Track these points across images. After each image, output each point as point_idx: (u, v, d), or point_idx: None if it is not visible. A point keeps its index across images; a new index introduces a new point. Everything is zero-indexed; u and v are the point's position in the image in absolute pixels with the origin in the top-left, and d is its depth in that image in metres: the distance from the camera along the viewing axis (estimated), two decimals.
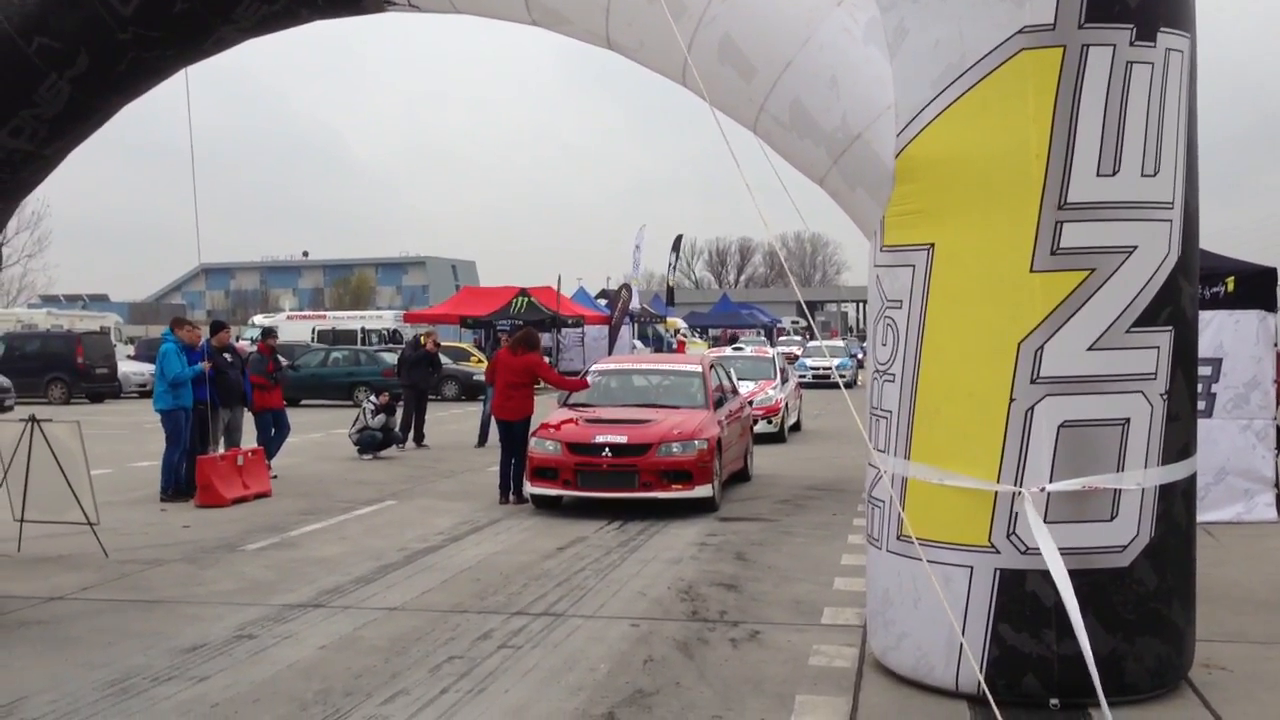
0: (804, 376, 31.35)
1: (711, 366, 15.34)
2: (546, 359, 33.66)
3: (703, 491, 12.47)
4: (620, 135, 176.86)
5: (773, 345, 42.86)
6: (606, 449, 12.40)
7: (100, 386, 33.33)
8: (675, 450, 12.42)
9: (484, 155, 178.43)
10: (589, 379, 14.94)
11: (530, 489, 12.90)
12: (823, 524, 11.93)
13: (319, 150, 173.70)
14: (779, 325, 71.31)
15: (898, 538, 6.29)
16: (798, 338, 61.04)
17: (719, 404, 14.19)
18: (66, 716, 6.08)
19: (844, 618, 8.03)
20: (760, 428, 19.01)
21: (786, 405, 21.28)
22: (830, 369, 34.40)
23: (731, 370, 18.08)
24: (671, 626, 7.87)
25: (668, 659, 7.08)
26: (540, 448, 12.79)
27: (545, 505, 12.91)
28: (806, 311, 8.37)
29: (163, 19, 7.54)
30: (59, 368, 32.69)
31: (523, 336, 14.37)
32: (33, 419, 10.20)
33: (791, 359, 34.20)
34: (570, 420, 13.32)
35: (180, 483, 13.58)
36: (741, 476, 15.00)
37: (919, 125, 6.10)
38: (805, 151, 6.71)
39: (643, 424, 12.86)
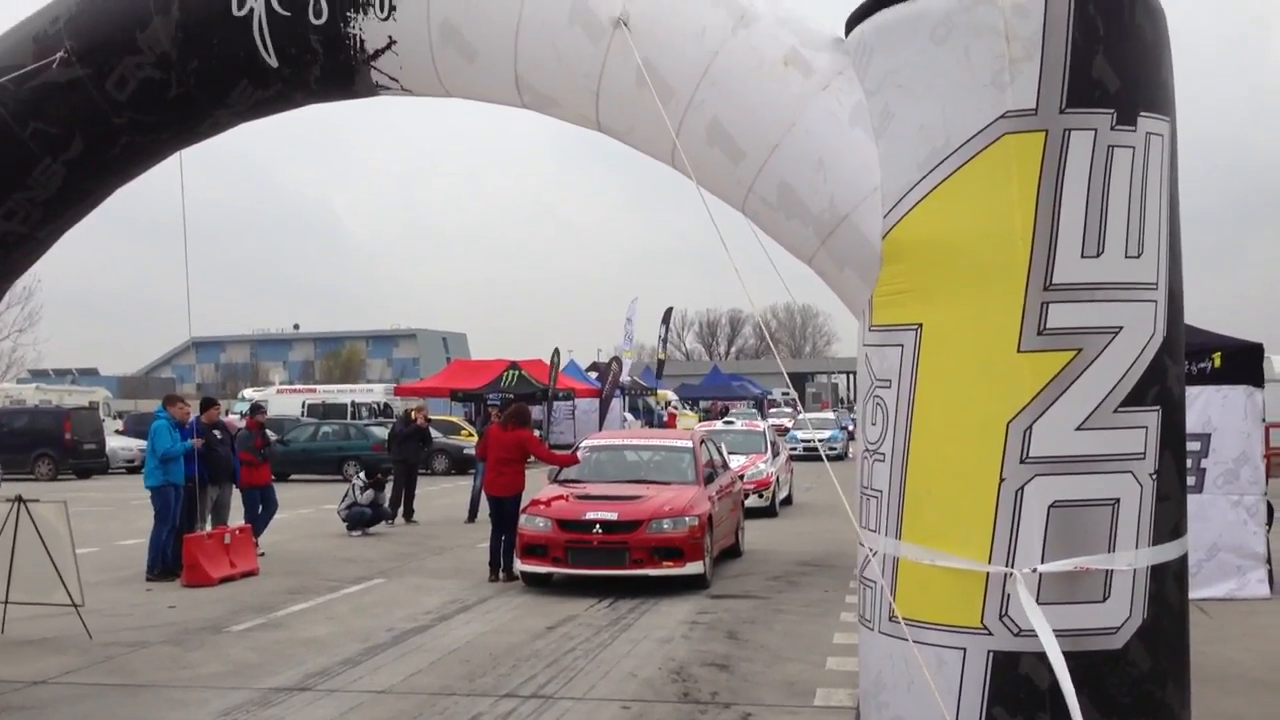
0: (795, 449, 31.29)
1: (702, 441, 15.33)
2: (537, 433, 33.61)
3: (694, 568, 12.39)
4: (613, 208, 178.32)
5: (764, 417, 42.87)
6: (597, 526, 12.36)
7: (88, 462, 33.14)
8: (666, 527, 12.37)
9: (475, 227, 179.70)
10: (579, 454, 14.90)
11: (520, 566, 12.83)
12: (815, 601, 11.85)
13: (310, 224, 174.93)
14: (769, 397, 71.36)
15: (889, 619, 6.24)
16: (789, 409, 61.02)
17: (710, 479, 14.16)
18: None
19: (837, 699, 7.95)
20: (751, 502, 18.95)
21: (778, 479, 21.23)
22: (816, 444, 34.17)
23: (722, 445, 18.06)
24: (663, 709, 7.78)
25: None
26: (530, 524, 12.73)
27: (535, 583, 12.82)
28: (791, 387, 8.39)
29: (158, 104, 7.62)
30: (47, 444, 32.52)
31: (513, 412, 14.38)
32: (19, 499, 10.14)
33: (782, 431, 34.10)
34: (561, 497, 13.27)
35: (167, 561, 13.46)
36: (733, 552, 14.92)
37: (905, 207, 6.17)
38: (793, 232, 6.77)
39: (633, 500, 12.82)
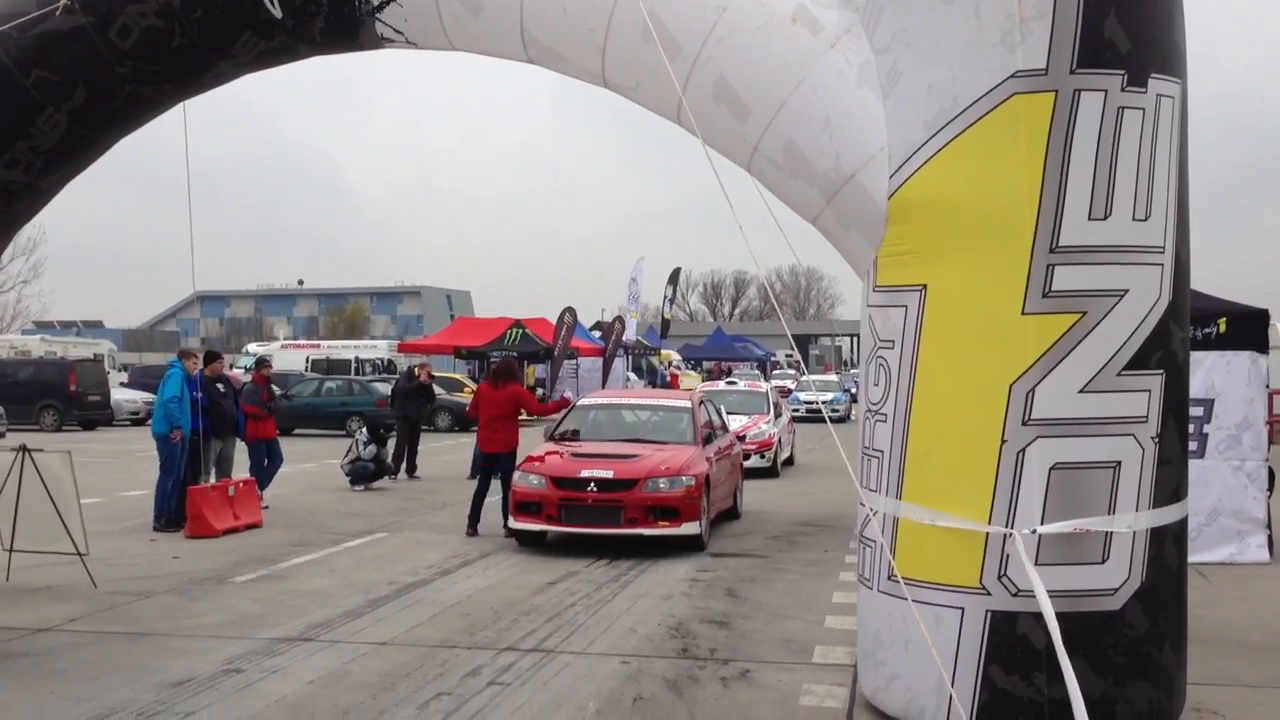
0: (798, 410, 31.32)
1: (701, 402, 15.28)
2: (540, 391, 33.40)
3: (690, 529, 12.34)
4: (618, 166, 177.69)
5: (766, 379, 42.84)
6: (592, 484, 12.26)
7: (93, 414, 33.20)
8: (662, 486, 12.28)
9: (481, 185, 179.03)
10: (575, 412, 14.88)
11: (513, 523, 12.69)
12: (815, 560, 11.90)
13: (315, 178, 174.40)
14: (773, 358, 71.36)
15: (889, 578, 6.27)
16: (792, 371, 61.02)
17: (708, 440, 14.10)
18: None
19: (835, 657, 7.99)
20: (753, 462, 18.96)
21: (780, 440, 21.23)
22: (819, 405, 34.16)
23: (721, 407, 17.98)
24: (662, 664, 7.83)
25: (657, 698, 7.05)
26: (525, 481, 12.59)
27: (528, 541, 12.73)
28: (796, 350, 8.38)
29: (161, 54, 7.58)
30: (51, 395, 32.57)
31: (502, 368, 14.31)
32: (24, 448, 10.17)
33: (785, 393, 34.08)
34: (555, 453, 13.21)
35: (172, 512, 13.53)
36: (730, 515, 14.88)
37: (912, 167, 6.14)
38: (799, 191, 6.74)
39: (629, 459, 12.74)
